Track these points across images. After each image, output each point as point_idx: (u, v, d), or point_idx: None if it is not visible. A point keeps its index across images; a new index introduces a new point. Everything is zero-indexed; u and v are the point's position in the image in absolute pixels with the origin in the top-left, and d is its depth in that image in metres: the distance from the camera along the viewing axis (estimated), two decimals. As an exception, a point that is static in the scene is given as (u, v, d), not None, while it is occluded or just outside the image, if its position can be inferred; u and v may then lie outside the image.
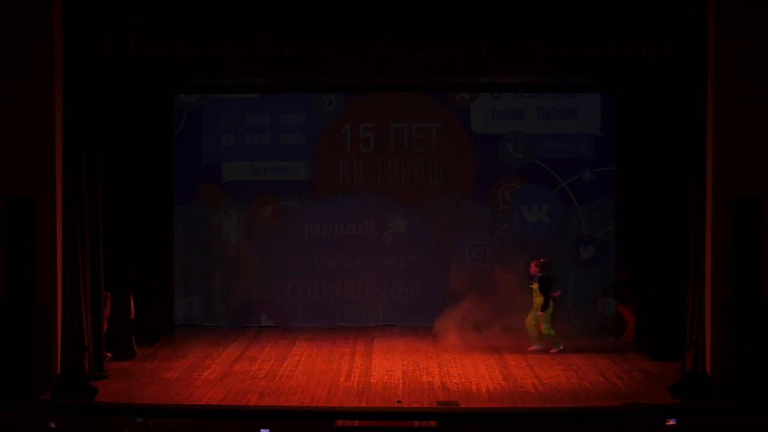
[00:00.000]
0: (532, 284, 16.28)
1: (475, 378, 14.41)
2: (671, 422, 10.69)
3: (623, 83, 16.88)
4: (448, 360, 15.62)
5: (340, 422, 11.60)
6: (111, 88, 14.85)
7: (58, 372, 13.49)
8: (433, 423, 11.55)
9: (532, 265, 16.37)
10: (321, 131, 18.97)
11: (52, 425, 10.38)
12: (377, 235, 18.99)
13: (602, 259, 18.74)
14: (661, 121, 15.38)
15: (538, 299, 16.18)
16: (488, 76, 16.75)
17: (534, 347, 16.20)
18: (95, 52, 13.65)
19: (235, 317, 18.84)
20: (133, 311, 15.85)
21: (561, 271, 18.36)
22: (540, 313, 16.14)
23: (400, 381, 14.27)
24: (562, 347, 16.07)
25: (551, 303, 16.12)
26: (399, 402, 12.96)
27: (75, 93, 13.65)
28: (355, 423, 11.62)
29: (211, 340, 17.34)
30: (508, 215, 18.91)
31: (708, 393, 13.01)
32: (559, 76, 16.99)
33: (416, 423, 11.62)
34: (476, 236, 18.89)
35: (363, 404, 12.92)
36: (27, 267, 13.21)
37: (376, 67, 15.43)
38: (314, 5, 13.46)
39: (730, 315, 12.99)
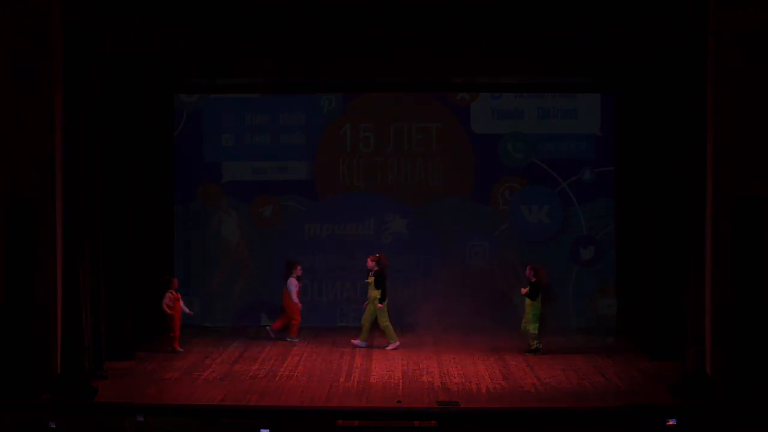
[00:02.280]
0: (368, 279, 16.61)
1: (475, 378, 14.40)
2: (671, 422, 10.69)
3: (623, 83, 16.86)
4: (448, 360, 15.62)
5: (340, 422, 11.61)
6: (111, 88, 14.84)
7: (58, 372, 13.50)
8: (433, 423, 11.55)
9: (369, 259, 16.67)
10: (321, 131, 18.94)
11: (52, 425, 10.39)
12: (377, 235, 18.96)
13: (602, 259, 18.71)
14: (661, 121, 15.37)
15: (373, 293, 16.45)
16: (488, 76, 16.73)
17: (358, 341, 16.40)
18: (95, 52, 13.66)
19: (235, 317, 18.83)
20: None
21: (561, 271, 18.36)
22: (379, 305, 16.39)
23: (400, 381, 14.27)
24: (397, 344, 16.29)
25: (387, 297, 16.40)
26: (399, 402, 12.97)
27: (75, 93, 13.65)
28: (356, 423, 11.63)
29: (211, 340, 17.33)
30: (508, 215, 18.89)
31: (708, 393, 13.01)
32: (559, 76, 16.97)
33: (416, 423, 11.63)
34: (476, 236, 18.86)
35: (363, 404, 12.92)
36: (27, 267, 13.22)
37: (376, 67, 15.43)
38: (314, 5, 13.47)
39: (730, 315, 12.99)
